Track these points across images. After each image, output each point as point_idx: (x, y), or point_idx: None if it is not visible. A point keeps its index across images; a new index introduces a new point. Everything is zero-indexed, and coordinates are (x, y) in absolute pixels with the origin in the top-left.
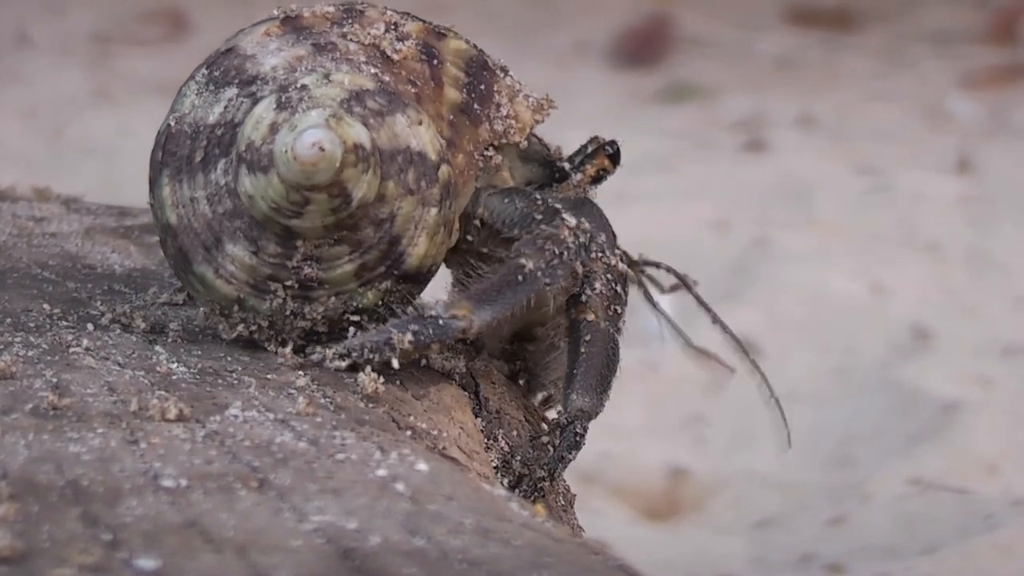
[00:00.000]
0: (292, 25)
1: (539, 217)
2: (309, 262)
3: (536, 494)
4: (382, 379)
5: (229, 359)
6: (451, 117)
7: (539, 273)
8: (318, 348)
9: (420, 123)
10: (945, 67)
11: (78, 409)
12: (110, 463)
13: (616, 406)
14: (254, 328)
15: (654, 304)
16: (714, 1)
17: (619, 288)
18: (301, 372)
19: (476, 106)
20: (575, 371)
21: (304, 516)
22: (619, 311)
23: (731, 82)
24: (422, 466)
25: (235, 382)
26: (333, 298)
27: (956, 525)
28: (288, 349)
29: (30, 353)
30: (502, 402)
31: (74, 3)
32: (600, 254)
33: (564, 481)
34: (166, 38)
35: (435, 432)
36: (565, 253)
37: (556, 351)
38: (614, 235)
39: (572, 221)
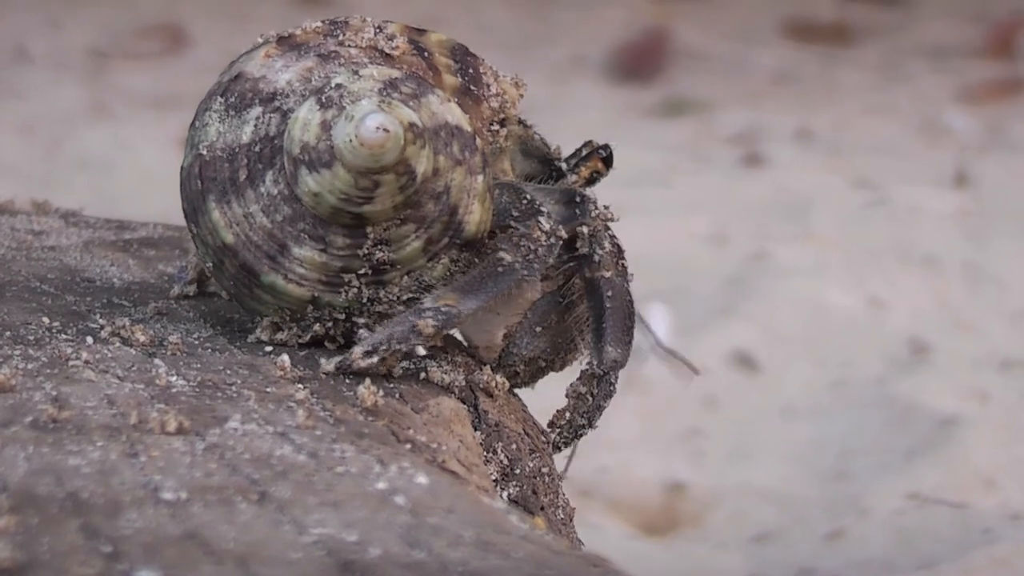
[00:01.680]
0: (288, 44)
1: (516, 215)
2: (380, 246)
3: (576, 439)
4: (381, 392)
5: (228, 372)
6: (456, 100)
7: (517, 265)
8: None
9: (449, 100)
10: (942, 81)
11: (78, 422)
12: (110, 475)
13: (613, 420)
14: (329, 325)
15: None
16: (711, 15)
17: (619, 242)
18: (300, 385)
19: (472, 87)
20: (604, 325)
21: (304, 528)
22: (626, 264)
23: (728, 96)
24: (422, 479)
25: (234, 395)
26: (406, 277)
27: (954, 539)
28: (287, 360)
29: (29, 366)
30: (501, 415)
31: (72, 18)
32: (598, 212)
33: (563, 495)
34: (164, 53)
35: (434, 445)
36: (540, 249)
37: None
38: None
39: (546, 225)
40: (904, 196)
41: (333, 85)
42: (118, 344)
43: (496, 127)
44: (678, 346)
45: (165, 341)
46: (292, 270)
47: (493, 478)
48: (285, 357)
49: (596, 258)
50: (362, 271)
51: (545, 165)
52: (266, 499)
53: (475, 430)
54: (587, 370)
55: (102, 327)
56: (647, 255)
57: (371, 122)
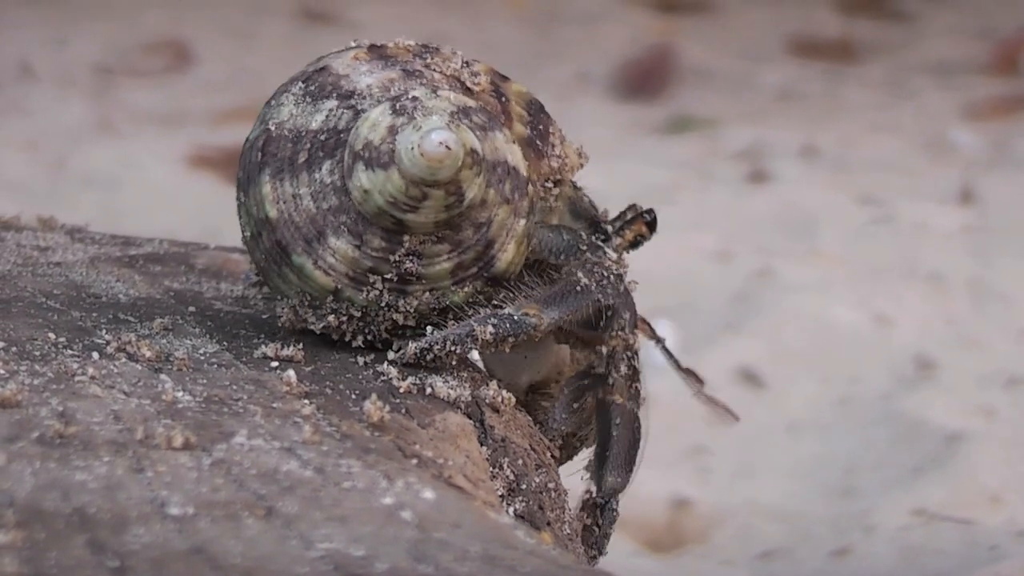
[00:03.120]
0: (378, 53)
1: (584, 248)
2: (411, 257)
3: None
4: (387, 407)
5: (234, 388)
6: (520, 147)
7: (593, 287)
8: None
9: (514, 142)
10: (947, 98)
11: (84, 437)
12: (116, 491)
13: None
14: (344, 319)
15: (669, 354)
16: (716, 33)
17: (637, 363)
18: (306, 400)
19: (538, 142)
20: (607, 452)
21: (310, 544)
22: (639, 388)
23: (733, 113)
24: (428, 494)
25: (241, 410)
26: (427, 293)
27: (960, 556)
28: (293, 376)
29: (36, 381)
30: (507, 430)
31: (76, 35)
32: (621, 332)
33: (570, 511)
34: (169, 70)
35: (441, 460)
36: (611, 276)
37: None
38: (635, 313)
39: (613, 255)
40: (910, 213)
41: (410, 96)
42: (124, 360)
43: (551, 185)
44: (683, 362)
45: (171, 357)
46: (323, 258)
47: (499, 493)
48: (291, 372)
49: (610, 381)
50: (388, 276)
51: (592, 227)
52: (273, 514)
53: (481, 445)
54: (588, 499)
55: (108, 342)
56: (653, 271)
57: (436, 136)
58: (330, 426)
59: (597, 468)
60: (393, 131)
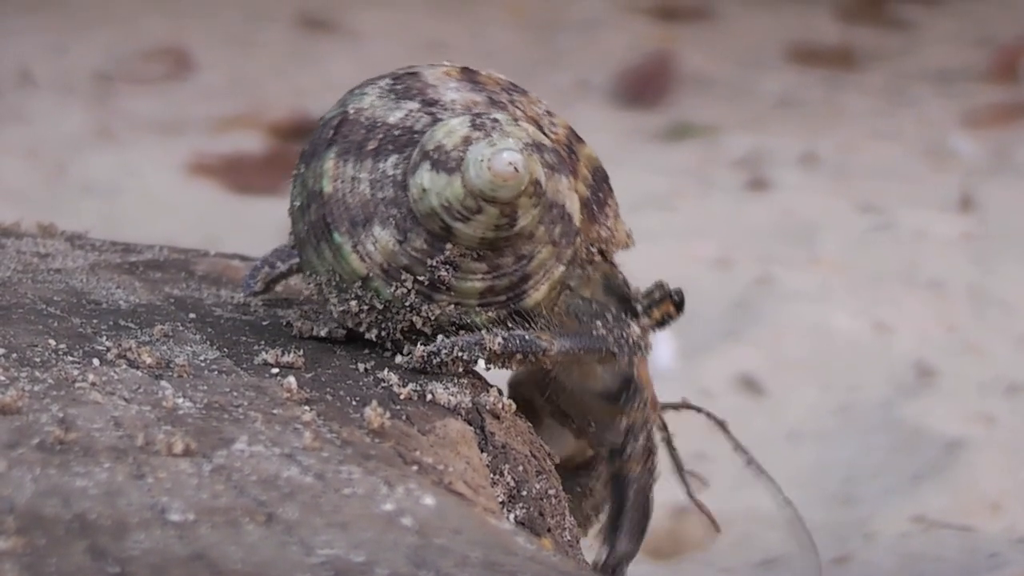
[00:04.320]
0: (469, 76)
1: (609, 317)
2: (448, 267)
3: None
4: (388, 414)
5: (235, 394)
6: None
7: (610, 339)
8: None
9: (575, 191)
10: (947, 105)
11: (84, 444)
12: (117, 497)
13: None
14: (365, 308)
15: (674, 453)
16: (716, 40)
17: (655, 440)
18: (307, 407)
19: (594, 207)
20: (620, 521)
21: (311, 550)
22: (655, 462)
23: (733, 120)
24: (428, 500)
25: (241, 417)
26: (452, 306)
27: (960, 564)
28: (293, 382)
29: (36, 388)
30: (508, 437)
31: (76, 42)
32: (641, 409)
33: (570, 517)
34: (169, 77)
35: (441, 467)
36: (631, 339)
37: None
38: (655, 396)
39: (637, 331)
40: (909, 220)
41: (492, 117)
42: (124, 366)
43: (594, 251)
44: (683, 370)
45: (171, 363)
46: (364, 244)
47: (500, 500)
48: (291, 379)
49: (626, 453)
50: (420, 278)
51: (623, 304)
52: (273, 520)
53: (482, 452)
54: (597, 561)
55: (108, 349)
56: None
57: (507, 156)
58: (330, 432)
59: (610, 533)
60: (467, 141)
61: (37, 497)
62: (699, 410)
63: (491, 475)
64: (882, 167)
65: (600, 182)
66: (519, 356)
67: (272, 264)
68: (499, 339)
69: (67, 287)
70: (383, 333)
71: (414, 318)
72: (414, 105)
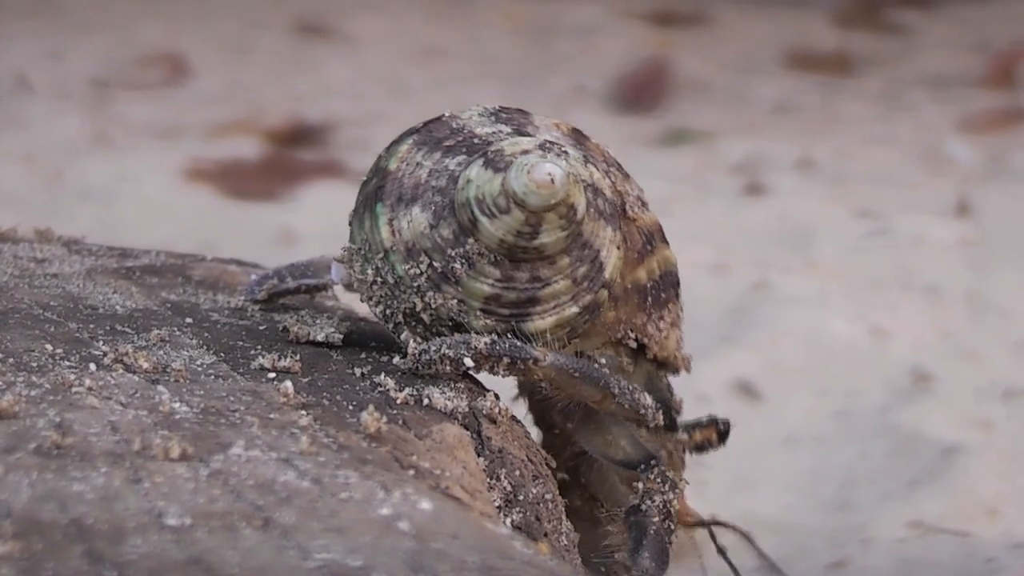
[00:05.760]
0: (577, 136)
1: (636, 389)
2: (464, 261)
3: None
4: (384, 418)
5: (231, 399)
6: (628, 286)
7: (612, 381)
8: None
9: (618, 248)
10: (943, 111)
11: (81, 448)
12: (114, 502)
13: None
14: (379, 281)
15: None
16: (712, 45)
17: (673, 507)
18: (303, 412)
19: (650, 299)
20: (643, 542)
21: (308, 554)
22: (672, 525)
23: (730, 126)
24: (425, 505)
25: (238, 421)
26: (455, 302)
27: (957, 569)
28: (290, 387)
29: (33, 393)
30: (504, 441)
31: (73, 48)
32: (660, 480)
33: (567, 522)
34: (165, 83)
35: (438, 471)
36: (639, 398)
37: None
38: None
39: (670, 436)
40: (906, 225)
41: (563, 147)
42: (121, 371)
43: (631, 337)
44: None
45: (168, 368)
46: (399, 219)
47: (496, 504)
48: (288, 383)
49: (644, 508)
50: (436, 264)
51: (662, 410)
52: (270, 525)
53: (478, 456)
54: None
55: (105, 354)
56: None
57: (549, 167)
58: (327, 437)
59: (632, 551)
60: (525, 153)
61: (34, 502)
62: (725, 525)
63: (488, 479)
64: (879, 172)
65: (668, 285)
66: (507, 360)
67: (282, 277)
68: (486, 339)
69: (64, 292)
70: (388, 311)
71: (417, 301)
72: (506, 129)
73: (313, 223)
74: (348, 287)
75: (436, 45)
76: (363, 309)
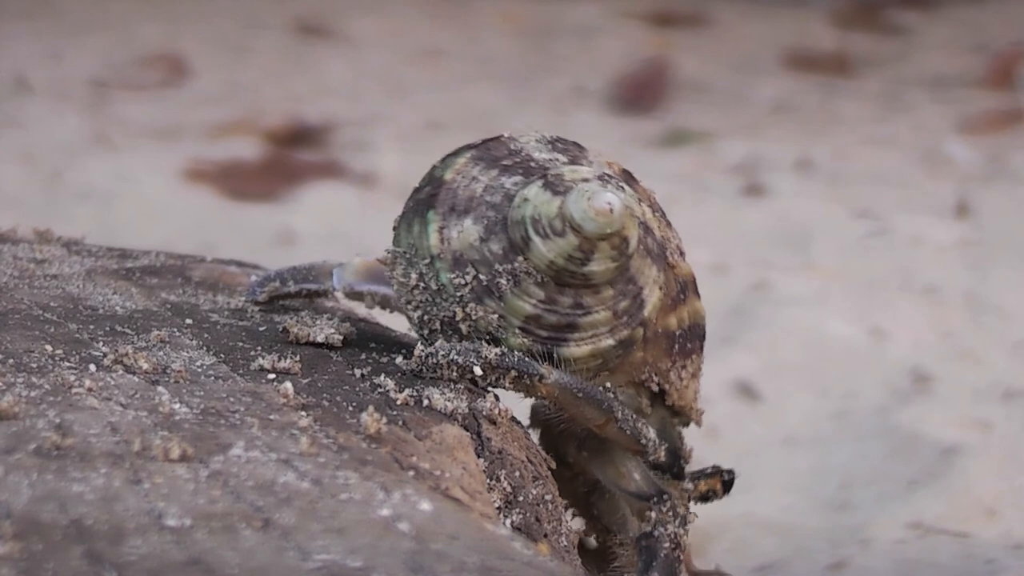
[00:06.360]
0: (626, 176)
1: (644, 423)
2: (509, 277)
3: None
4: (384, 419)
5: (231, 400)
6: (659, 330)
7: (615, 405)
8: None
9: (660, 288)
10: (943, 112)
11: (81, 449)
12: (113, 502)
13: None
14: (421, 286)
15: None
16: (711, 46)
17: (682, 544)
18: (303, 412)
19: (676, 347)
20: (654, 563)
21: (308, 555)
22: (680, 558)
23: (729, 127)
24: (425, 506)
25: (238, 422)
26: (496, 316)
27: (957, 570)
28: (290, 388)
29: (32, 394)
30: (504, 443)
31: (72, 48)
32: (671, 514)
33: (567, 522)
34: (164, 83)
35: (438, 472)
36: (643, 429)
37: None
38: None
39: (655, 440)
40: (905, 226)
41: (617, 183)
42: (121, 372)
43: (654, 381)
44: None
45: (168, 369)
46: (449, 228)
47: (496, 505)
48: (288, 384)
49: (655, 534)
50: (482, 277)
51: (670, 457)
52: (270, 526)
53: (478, 457)
54: None
55: (105, 355)
56: None
57: (610, 197)
58: (327, 438)
59: (642, 573)
60: (585, 180)
61: (34, 502)
62: None
63: (488, 480)
64: (878, 173)
65: (695, 337)
66: (513, 373)
67: (283, 280)
68: (496, 350)
69: (64, 293)
70: (425, 317)
71: (458, 310)
72: (561, 159)
73: (312, 223)
74: (348, 295)
75: (435, 46)
76: (363, 310)
